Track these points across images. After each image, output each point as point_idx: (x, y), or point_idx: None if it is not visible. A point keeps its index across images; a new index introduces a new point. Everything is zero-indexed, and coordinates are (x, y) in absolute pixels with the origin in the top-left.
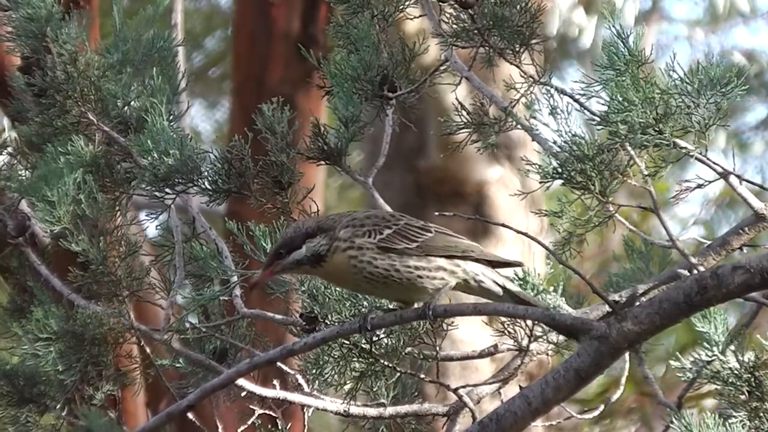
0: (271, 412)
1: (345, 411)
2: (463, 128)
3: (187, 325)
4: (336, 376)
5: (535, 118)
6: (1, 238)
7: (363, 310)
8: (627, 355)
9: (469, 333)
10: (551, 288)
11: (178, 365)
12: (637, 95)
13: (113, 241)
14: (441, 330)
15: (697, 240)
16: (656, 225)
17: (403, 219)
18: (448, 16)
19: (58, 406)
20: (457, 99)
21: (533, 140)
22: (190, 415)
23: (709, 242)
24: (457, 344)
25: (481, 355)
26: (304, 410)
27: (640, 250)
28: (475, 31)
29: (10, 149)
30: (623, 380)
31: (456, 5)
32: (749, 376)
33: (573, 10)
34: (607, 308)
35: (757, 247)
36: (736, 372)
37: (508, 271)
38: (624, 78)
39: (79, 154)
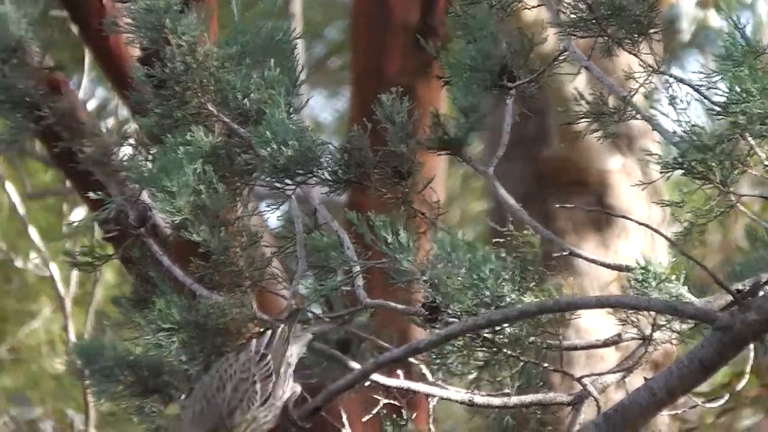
0: (395, 402)
1: (469, 400)
2: (582, 118)
3: (310, 315)
4: (460, 365)
5: (654, 107)
6: (123, 228)
7: (486, 300)
8: (751, 345)
9: (594, 322)
10: (673, 277)
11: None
12: (755, 86)
13: (234, 231)
14: (565, 319)
15: None
16: None
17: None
18: (566, 5)
19: (183, 397)
20: (575, 89)
21: (653, 130)
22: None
23: None
24: (581, 333)
25: (606, 344)
26: (429, 400)
27: (763, 239)
28: (593, 21)
29: (131, 140)
30: (747, 370)
31: None
32: None
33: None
34: (730, 298)
35: None
36: None
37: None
38: (742, 69)
39: (198, 144)
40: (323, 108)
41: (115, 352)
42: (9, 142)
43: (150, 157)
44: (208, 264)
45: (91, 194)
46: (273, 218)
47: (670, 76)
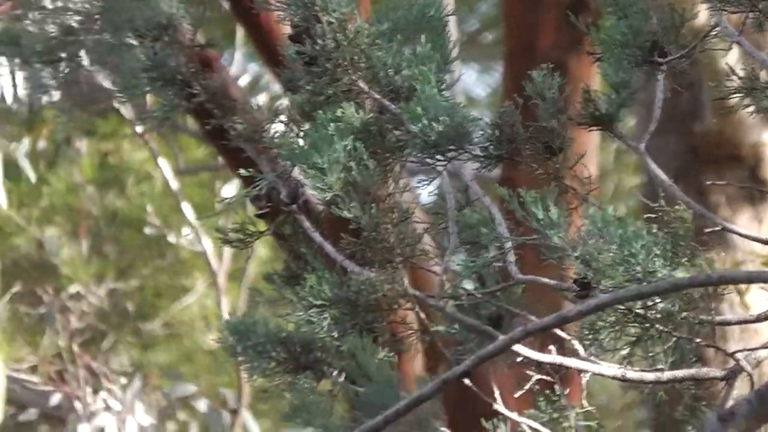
0: (548, 378)
1: (622, 376)
2: (734, 93)
3: (462, 291)
4: (612, 341)
5: None
6: (275, 205)
7: (637, 275)
8: None
9: (748, 296)
10: None
11: (453, 331)
12: None
13: (385, 207)
14: (718, 294)
15: None
16: None
17: None
18: None
19: (335, 373)
20: (727, 64)
21: None
22: (466, 381)
23: None
24: (735, 308)
25: (759, 319)
26: (581, 375)
27: None
28: None
29: (282, 117)
30: None
31: None
32: None
33: None
34: None
35: None
36: None
37: None
38: None
39: (349, 121)
40: (476, 83)
41: (267, 329)
42: (161, 120)
43: (301, 133)
44: (359, 240)
45: (242, 171)
46: (424, 194)
47: None
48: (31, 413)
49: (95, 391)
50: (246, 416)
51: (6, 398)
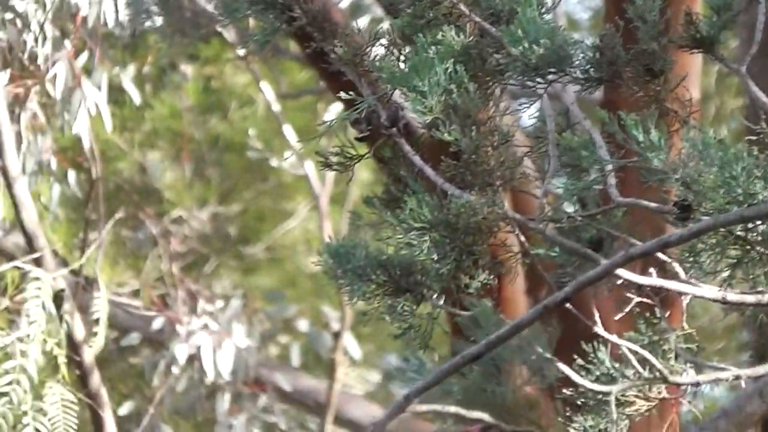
0: (648, 300)
1: (722, 298)
2: None
3: (562, 214)
4: (712, 263)
5: None
6: (375, 128)
7: (738, 198)
8: None
9: None
10: None
11: (553, 254)
12: None
13: (486, 130)
14: None
15: None
16: None
17: None
18: None
19: (435, 296)
20: None
21: None
22: (567, 305)
23: None
24: None
25: None
26: (682, 298)
27: None
28: None
29: (383, 40)
30: None
31: None
32: None
33: None
34: None
35: None
36: None
37: None
38: None
39: (450, 44)
40: (577, 6)
41: (367, 252)
42: (262, 43)
43: (402, 57)
44: (460, 163)
45: (342, 94)
46: (525, 117)
47: None
48: (134, 337)
49: (195, 314)
50: (348, 339)
51: (109, 323)
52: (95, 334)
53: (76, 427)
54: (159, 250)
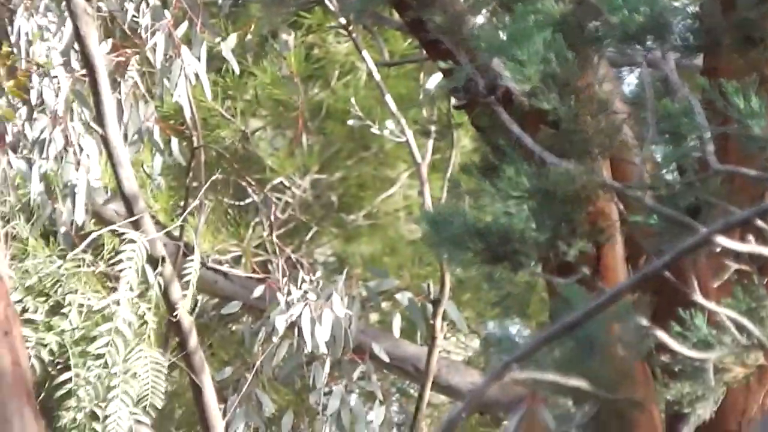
0: (746, 267)
1: None
2: None
3: (661, 181)
4: None
5: None
6: (473, 96)
7: None
8: None
9: None
10: None
11: (652, 222)
12: None
13: (584, 98)
14: None
15: None
16: None
17: None
18: None
19: (532, 264)
20: None
21: None
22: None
23: None
24: None
25: None
26: None
27: None
28: None
29: (482, 10)
30: None
31: None
32: None
33: None
34: None
35: None
36: None
37: None
38: None
39: (548, 13)
40: None
41: (465, 220)
42: (359, 11)
43: (500, 26)
44: (558, 132)
45: (440, 63)
46: (624, 85)
47: None
48: (234, 305)
49: (295, 283)
50: (449, 306)
51: (210, 290)
52: (193, 300)
53: (163, 390)
54: (260, 217)
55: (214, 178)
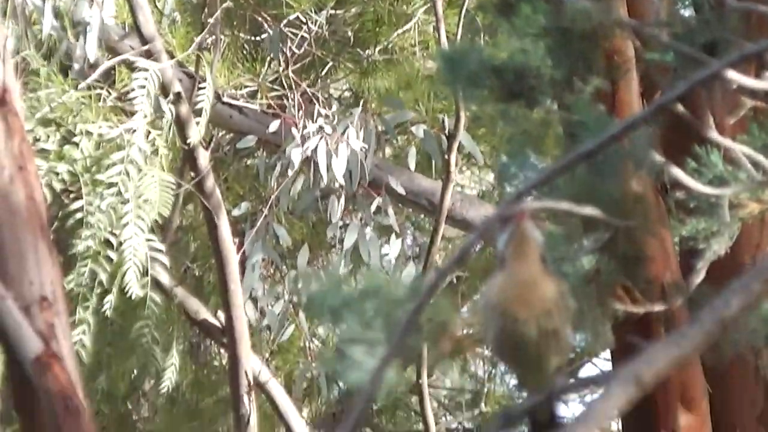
0: (762, 104)
1: None
2: None
3: (677, 18)
4: None
5: None
6: None
7: None
8: None
9: None
10: None
11: (668, 59)
12: None
13: None
14: None
15: None
16: None
17: None
18: None
19: (548, 101)
20: None
21: None
22: (679, 107)
23: None
24: None
25: None
26: None
27: None
28: None
29: None
30: None
31: None
32: None
33: None
34: None
35: None
36: None
37: None
38: None
39: None
40: None
41: (481, 57)
42: None
43: None
44: None
45: None
46: None
47: None
48: (249, 139)
49: (311, 117)
50: (464, 138)
51: (225, 125)
52: (208, 135)
53: (171, 204)
54: (276, 52)
55: (229, 12)
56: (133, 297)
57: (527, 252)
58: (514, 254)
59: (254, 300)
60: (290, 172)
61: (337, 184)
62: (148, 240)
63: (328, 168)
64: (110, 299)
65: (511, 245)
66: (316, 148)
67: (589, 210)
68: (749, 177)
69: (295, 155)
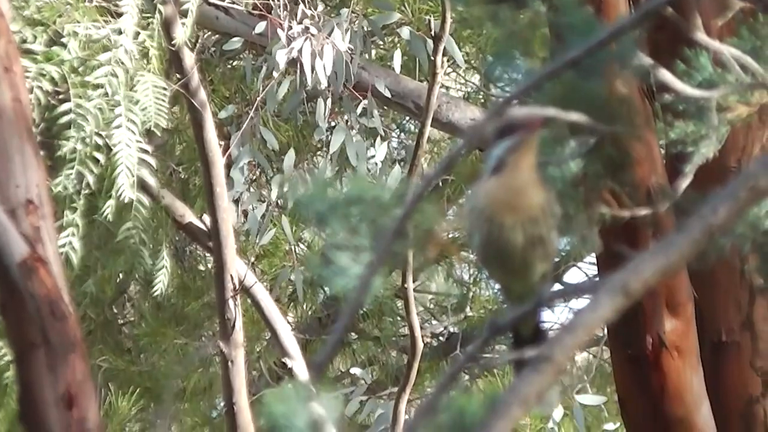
0: (751, 4)
1: None
2: None
3: None
4: None
5: None
6: None
7: None
8: None
9: None
10: None
11: None
12: None
13: None
14: None
15: None
16: None
17: None
18: None
19: (536, 2)
20: None
21: None
22: (668, 9)
23: None
24: None
25: None
26: None
27: None
28: None
29: None
30: None
31: None
32: None
33: None
34: None
35: None
36: None
37: None
38: None
39: None
40: None
41: None
42: None
43: None
44: None
45: None
46: None
47: None
48: (235, 41)
49: (297, 18)
50: (449, 42)
51: (211, 26)
52: (194, 36)
53: (167, 112)
54: None
55: None
56: (125, 200)
57: (528, 161)
58: (515, 161)
59: (236, 202)
60: (276, 74)
61: (323, 86)
62: (138, 142)
63: (313, 69)
64: (111, 204)
65: (514, 152)
66: (302, 49)
67: (575, 116)
68: (738, 80)
69: (281, 57)
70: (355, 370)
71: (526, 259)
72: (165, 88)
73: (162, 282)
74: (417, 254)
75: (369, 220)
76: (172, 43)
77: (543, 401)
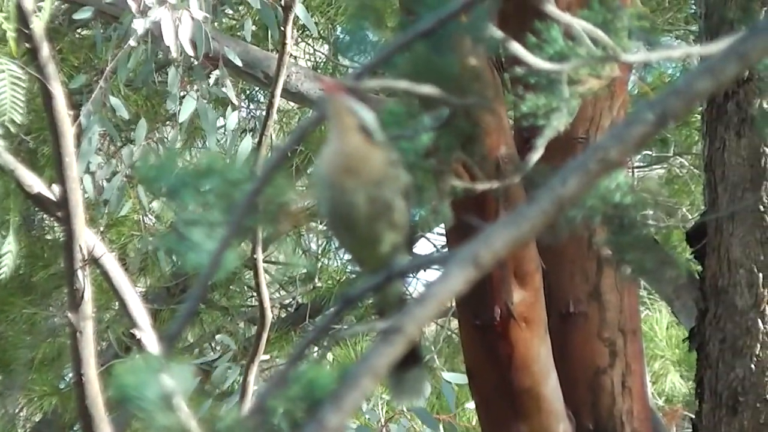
0: None
1: None
2: None
3: None
4: None
5: None
6: None
7: None
8: None
9: None
10: None
11: None
12: None
13: None
14: None
15: None
16: None
17: None
18: None
19: None
20: None
21: None
22: None
23: None
24: None
25: None
26: None
27: None
28: None
29: None
30: None
31: None
32: None
33: None
34: None
35: None
36: None
37: None
38: None
39: None
40: None
41: None
42: None
43: None
44: None
45: None
46: None
47: None
48: (86, 10)
49: None
50: (299, 10)
51: None
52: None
53: (23, 102)
54: None
55: None
56: None
57: (346, 124)
58: (334, 128)
59: (92, 174)
60: (132, 43)
61: (174, 55)
62: None
63: (177, 38)
64: None
65: (330, 119)
66: (160, 18)
67: (427, 89)
68: (589, 53)
69: (138, 24)
70: (221, 338)
71: (372, 226)
72: (21, 76)
73: (8, 266)
74: (268, 228)
75: (221, 195)
76: (27, 29)
77: (415, 392)
